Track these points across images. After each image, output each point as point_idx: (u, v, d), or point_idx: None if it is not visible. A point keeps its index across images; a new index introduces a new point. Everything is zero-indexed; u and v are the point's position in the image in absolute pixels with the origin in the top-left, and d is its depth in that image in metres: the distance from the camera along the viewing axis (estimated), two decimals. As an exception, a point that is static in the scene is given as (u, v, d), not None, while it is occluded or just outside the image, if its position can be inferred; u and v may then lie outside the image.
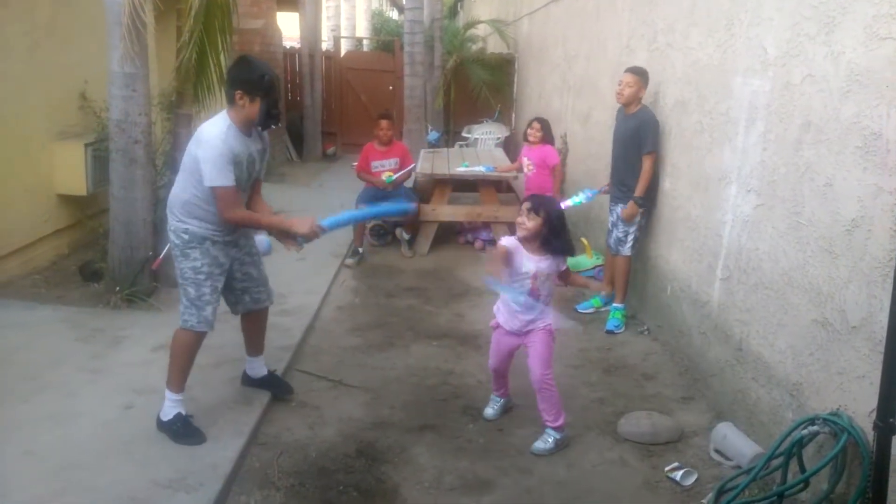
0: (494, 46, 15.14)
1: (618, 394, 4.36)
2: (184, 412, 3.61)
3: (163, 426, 3.57)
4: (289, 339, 4.82)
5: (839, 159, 3.06)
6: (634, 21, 5.97)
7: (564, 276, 3.81)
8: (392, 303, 5.88)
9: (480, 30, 15.77)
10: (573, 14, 8.42)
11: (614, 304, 5.41)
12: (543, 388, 3.74)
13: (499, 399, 4.11)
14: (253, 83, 3.42)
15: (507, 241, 3.71)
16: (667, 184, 5.07)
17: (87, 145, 5.98)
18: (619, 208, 5.31)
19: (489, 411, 4.08)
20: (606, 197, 5.69)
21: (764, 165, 3.70)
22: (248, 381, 4.12)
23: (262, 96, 3.45)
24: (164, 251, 5.32)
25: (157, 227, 5.41)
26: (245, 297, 3.86)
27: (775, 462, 3.05)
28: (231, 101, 3.46)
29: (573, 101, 8.26)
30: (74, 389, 3.94)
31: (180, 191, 3.49)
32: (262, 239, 6.79)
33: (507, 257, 3.62)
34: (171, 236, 3.54)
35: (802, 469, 2.97)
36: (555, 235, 3.63)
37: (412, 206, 4.12)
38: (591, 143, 7.36)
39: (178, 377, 3.60)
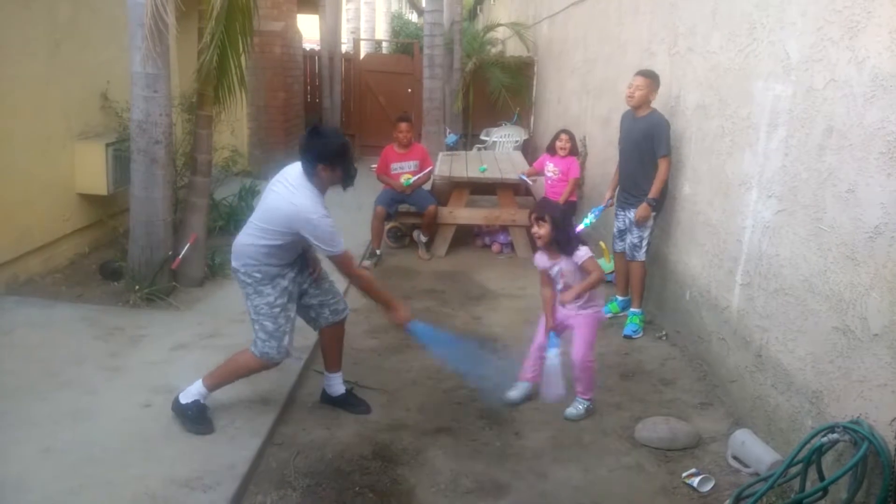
0: (514, 49, 15.13)
1: (635, 399, 4.34)
2: (203, 402, 3.69)
3: (177, 408, 3.66)
4: (305, 340, 4.82)
5: (862, 165, 3.02)
6: (655, 25, 5.94)
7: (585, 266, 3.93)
8: (409, 305, 5.86)
9: (500, 32, 15.78)
10: (594, 17, 8.39)
11: (632, 310, 5.39)
12: (584, 368, 4.04)
13: (525, 384, 4.21)
14: (338, 154, 3.53)
15: (538, 263, 4.06)
16: (687, 188, 5.04)
17: (108, 145, 6.04)
18: (630, 213, 5.28)
19: (513, 394, 4.21)
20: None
21: (785, 171, 3.66)
22: (327, 398, 4.13)
23: (343, 163, 3.56)
24: (184, 251, 5.36)
25: (177, 227, 5.46)
26: (325, 310, 3.94)
27: (794, 470, 3.02)
28: (312, 173, 3.50)
29: (592, 104, 8.23)
30: (93, 387, 3.98)
31: (256, 241, 3.51)
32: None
33: (547, 279, 4.06)
34: (241, 277, 3.59)
35: (821, 477, 2.94)
36: (562, 234, 3.87)
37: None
38: (609, 147, 7.32)
39: (221, 383, 3.72)
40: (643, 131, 5.11)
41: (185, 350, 4.53)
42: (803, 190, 3.48)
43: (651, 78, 5.15)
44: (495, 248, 7.65)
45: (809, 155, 3.44)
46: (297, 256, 3.70)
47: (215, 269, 5.87)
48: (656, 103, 5.65)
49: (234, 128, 9.98)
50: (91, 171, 6.05)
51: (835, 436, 2.87)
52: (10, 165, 5.30)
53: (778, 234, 3.72)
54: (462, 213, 7.46)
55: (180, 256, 5.36)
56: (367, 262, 6.82)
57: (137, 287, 5.18)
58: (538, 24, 13.08)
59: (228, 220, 7.15)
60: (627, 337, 5.25)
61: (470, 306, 5.90)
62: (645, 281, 5.36)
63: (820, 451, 2.92)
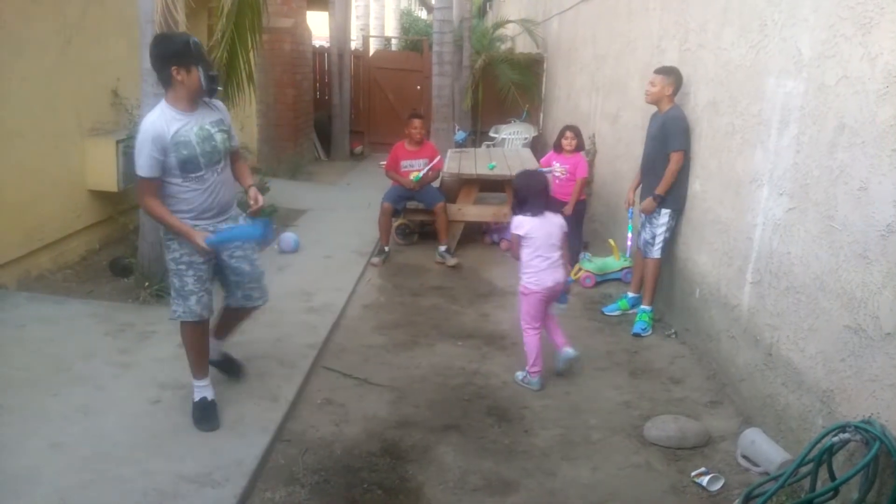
0: (523, 46, 15.09)
1: (644, 397, 4.32)
2: (209, 396, 3.73)
3: (193, 407, 3.71)
4: (315, 337, 4.84)
5: (874, 163, 3.00)
6: (666, 21, 5.91)
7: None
8: (417, 302, 5.88)
9: (509, 29, 15.74)
10: (603, 14, 8.36)
11: (642, 307, 5.37)
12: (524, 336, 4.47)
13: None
14: (184, 53, 3.36)
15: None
16: (697, 185, 5.01)
17: (118, 142, 6.06)
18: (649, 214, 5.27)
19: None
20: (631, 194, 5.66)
21: (797, 168, 3.64)
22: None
23: (196, 63, 3.38)
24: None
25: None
26: (237, 291, 3.83)
27: (804, 469, 3.00)
28: (168, 82, 3.37)
29: (602, 101, 8.20)
30: (103, 383, 4.00)
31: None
32: (289, 236, 6.87)
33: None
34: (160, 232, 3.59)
35: (832, 477, 2.91)
36: (518, 201, 4.46)
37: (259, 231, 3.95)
38: (619, 144, 7.30)
39: (195, 365, 3.72)
40: (659, 126, 5.13)
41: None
42: (815, 187, 3.46)
43: (666, 74, 5.13)
44: (503, 245, 7.63)
45: (821, 152, 3.41)
46: (207, 210, 3.52)
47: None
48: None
49: (243, 124, 10.03)
50: (101, 167, 6.07)
51: (846, 435, 2.84)
52: (22, 162, 5.33)
53: (789, 231, 3.70)
54: (471, 211, 7.45)
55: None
56: (375, 259, 6.82)
57: (147, 283, 5.20)
58: (548, 20, 13.04)
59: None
60: (636, 335, 5.23)
61: (478, 303, 5.89)
62: (658, 279, 5.34)
63: (831, 450, 2.89)
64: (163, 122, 3.33)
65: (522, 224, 4.35)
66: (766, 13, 4.05)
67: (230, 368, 4.15)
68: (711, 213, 4.73)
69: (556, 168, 6.77)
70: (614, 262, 6.42)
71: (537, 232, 4.32)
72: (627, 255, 5.72)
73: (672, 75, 5.13)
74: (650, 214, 5.22)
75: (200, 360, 3.72)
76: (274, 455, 3.56)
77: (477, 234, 7.87)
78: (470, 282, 6.46)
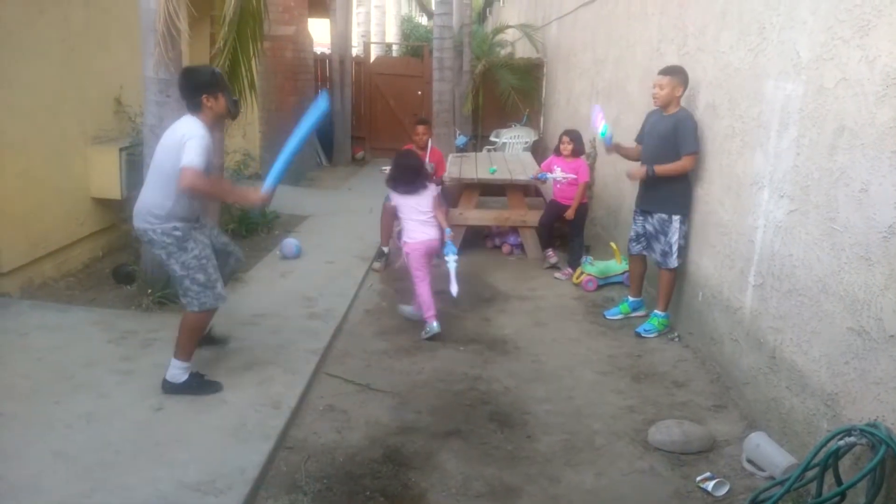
0: (523, 51, 15.12)
1: (648, 401, 4.31)
2: (194, 371, 4.01)
3: (178, 388, 3.93)
4: (317, 343, 4.84)
5: (875, 164, 2.99)
6: (664, 25, 5.92)
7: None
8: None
9: (509, 34, 15.78)
10: (602, 18, 8.37)
11: (656, 312, 5.30)
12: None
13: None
14: (212, 83, 3.86)
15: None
16: (698, 189, 5.01)
17: (121, 150, 6.08)
18: (651, 218, 5.18)
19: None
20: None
21: (797, 170, 3.64)
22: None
23: (222, 90, 3.89)
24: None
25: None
26: (230, 259, 4.29)
27: (810, 473, 2.99)
28: (198, 108, 3.84)
29: (602, 105, 8.20)
30: (106, 391, 4.00)
31: (163, 198, 3.79)
32: (291, 241, 6.88)
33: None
34: (162, 239, 3.82)
35: (839, 481, 2.90)
36: (393, 178, 5.41)
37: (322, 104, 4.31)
38: (620, 148, 7.30)
39: (191, 349, 3.97)
40: (669, 128, 4.96)
41: (197, 354, 4.53)
42: (815, 189, 3.46)
43: (672, 74, 4.97)
44: (505, 249, 7.64)
45: (821, 154, 3.41)
46: (194, 212, 3.94)
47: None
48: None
49: (245, 131, 10.03)
50: (105, 175, 6.08)
51: (852, 439, 2.83)
52: (25, 170, 5.34)
53: (790, 234, 3.69)
54: (472, 215, 7.46)
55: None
56: (377, 265, 6.82)
57: (150, 291, 5.20)
58: (547, 25, 13.06)
59: (240, 223, 7.18)
60: (638, 334, 5.23)
61: (481, 308, 5.89)
62: (673, 286, 5.23)
63: (837, 454, 2.88)
64: (208, 133, 3.80)
65: (394, 198, 5.40)
66: (765, 16, 4.06)
67: (215, 341, 4.63)
68: (713, 216, 4.73)
69: (557, 172, 6.78)
70: (616, 266, 6.42)
71: (406, 203, 5.30)
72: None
73: (679, 75, 4.98)
74: (661, 224, 5.10)
75: (194, 346, 4.01)
76: (276, 462, 3.55)
77: (478, 239, 7.87)
78: (472, 286, 6.45)
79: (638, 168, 5.11)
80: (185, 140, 3.67)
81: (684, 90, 5.01)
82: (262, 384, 4.20)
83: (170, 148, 3.75)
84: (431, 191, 5.37)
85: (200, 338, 4.02)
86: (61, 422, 3.63)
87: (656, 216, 5.15)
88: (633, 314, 5.61)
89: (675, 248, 5.07)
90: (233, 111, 4.03)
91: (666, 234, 5.09)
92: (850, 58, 3.21)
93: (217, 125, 3.91)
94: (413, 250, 5.23)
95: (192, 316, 3.93)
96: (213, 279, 3.91)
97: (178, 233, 3.81)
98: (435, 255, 5.41)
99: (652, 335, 5.24)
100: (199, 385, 3.99)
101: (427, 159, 7.09)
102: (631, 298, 5.66)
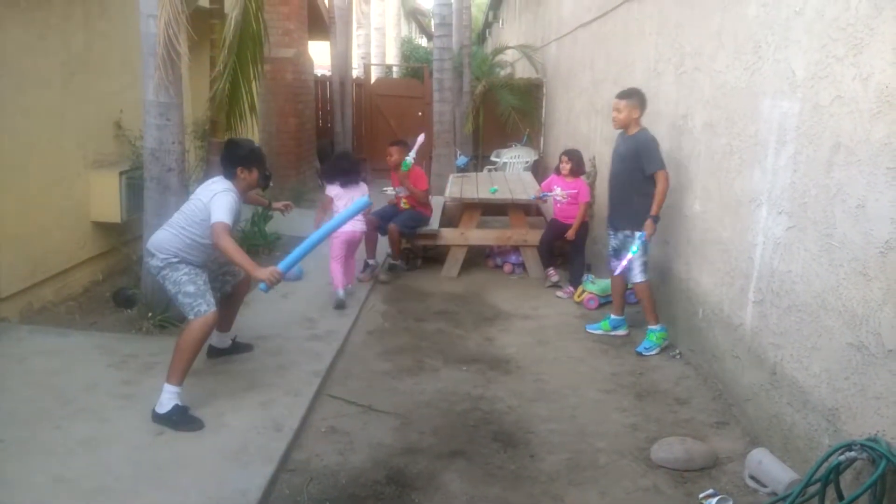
0: (523, 71, 15.22)
1: (650, 419, 4.30)
2: (181, 403, 3.95)
3: (160, 418, 3.90)
4: (319, 364, 4.84)
5: (871, 180, 3.01)
6: (662, 45, 5.97)
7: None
8: (421, 327, 5.88)
9: (509, 55, 15.89)
10: (601, 38, 8.44)
11: (649, 327, 5.34)
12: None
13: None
14: (248, 157, 4.28)
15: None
16: (697, 206, 5.03)
17: (121, 173, 6.12)
18: (622, 234, 5.35)
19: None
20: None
21: (794, 187, 3.66)
22: (215, 351, 4.80)
23: (257, 165, 4.30)
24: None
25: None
26: (228, 277, 4.59)
27: (812, 489, 2.98)
28: (233, 177, 4.24)
29: (601, 124, 8.24)
30: (107, 415, 3.99)
31: (178, 243, 4.12)
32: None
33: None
34: (156, 263, 4.13)
35: (840, 496, 2.90)
36: (330, 174, 6.49)
37: (365, 199, 4.64)
38: (619, 166, 7.32)
39: (184, 370, 3.99)
40: (630, 149, 5.17)
41: (197, 377, 4.53)
42: (813, 206, 3.47)
43: (628, 97, 5.19)
44: (507, 268, 7.65)
45: (818, 171, 3.43)
46: (206, 262, 4.30)
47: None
48: (664, 122, 5.67)
49: (246, 154, 10.06)
50: (105, 199, 6.12)
51: (852, 454, 2.83)
52: (26, 194, 5.37)
53: (789, 250, 3.70)
54: (473, 235, 7.48)
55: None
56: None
57: (150, 314, 5.21)
58: (546, 46, 13.16)
59: (241, 245, 7.19)
60: (639, 354, 5.25)
61: (483, 327, 5.89)
62: (653, 297, 5.33)
63: (838, 469, 2.88)
64: (236, 196, 4.19)
65: (332, 190, 6.31)
66: (760, 35, 4.10)
67: (241, 348, 4.92)
68: (712, 234, 4.74)
69: (557, 192, 6.81)
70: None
71: (342, 196, 6.21)
72: (616, 272, 5.69)
73: (636, 97, 5.21)
74: (625, 240, 5.28)
75: (188, 367, 4.03)
76: (278, 485, 3.54)
77: (480, 258, 7.89)
78: (474, 306, 6.46)
79: (650, 225, 5.15)
80: (214, 196, 4.05)
81: (642, 112, 5.23)
82: (263, 406, 4.19)
83: (201, 201, 4.13)
84: (364, 189, 6.31)
85: (193, 359, 4.04)
86: (62, 447, 3.63)
87: (621, 233, 5.34)
88: (614, 332, 5.66)
89: (636, 263, 5.21)
90: (263, 184, 4.42)
91: (628, 251, 5.21)
92: (844, 75, 3.24)
93: (245, 194, 4.41)
94: (336, 238, 5.99)
95: (191, 327, 4.02)
96: (205, 287, 4.13)
97: (174, 259, 4.13)
98: (355, 247, 6.44)
99: (653, 352, 5.24)
100: (180, 419, 3.89)
101: (398, 181, 7.10)
102: (613, 316, 5.71)
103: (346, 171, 6.35)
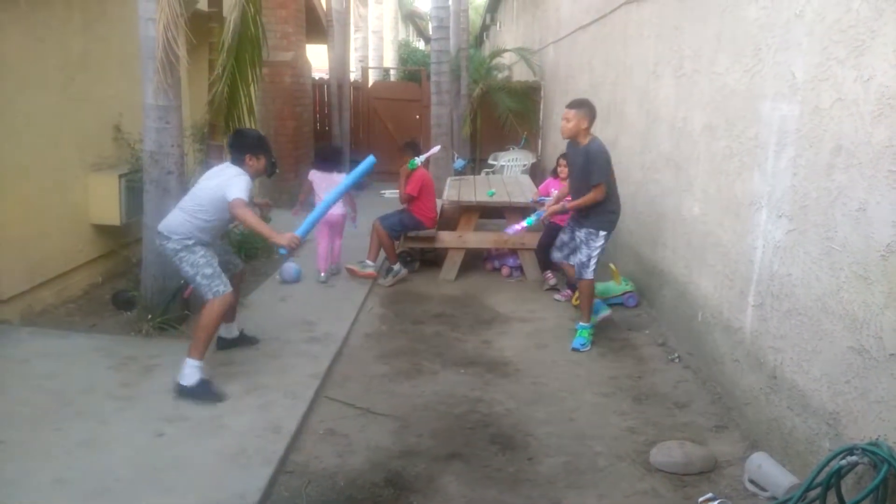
0: (520, 74, 15.24)
1: (649, 423, 4.30)
2: (205, 377, 4.28)
3: (184, 390, 4.21)
4: (317, 367, 4.83)
5: (872, 183, 3.01)
6: (661, 48, 5.98)
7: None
8: (419, 329, 5.88)
9: (506, 58, 15.91)
10: (599, 41, 8.45)
11: (581, 324, 5.48)
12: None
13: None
14: (256, 145, 4.55)
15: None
16: (696, 209, 5.03)
17: (121, 176, 6.11)
18: (579, 232, 5.43)
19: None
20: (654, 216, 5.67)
21: (795, 190, 3.66)
22: (224, 343, 5.01)
23: (264, 152, 4.58)
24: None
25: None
26: (229, 266, 4.79)
27: (812, 493, 2.97)
28: (241, 164, 4.48)
29: (600, 127, 8.22)
30: (106, 417, 3.98)
31: (191, 217, 4.38)
32: (291, 266, 6.89)
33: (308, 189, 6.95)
34: (173, 245, 4.36)
35: (841, 501, 2.89)
36: (316, 162, 7.10)
37: (370, 158, 4.65)
38: (617, 169, 7.31)
39: (206, 345, 4.33)
40: (583, 159, 5.27)
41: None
42: (813, 209, 3.47)
43: (577, 107, 5.25)
44: (505, 271, 7.65)
45: (818, 174, 3.43)
46: (215, 238, 4.60)
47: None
48: (663, 125, 5.68)
49: (244, 157, 10.06)
50: (104, 201, 6.11)
51: (854, 458, 2.82)
52: (26, 198, 5.37)
53: (789, 253, 3.70)
54: (471, 238, 7.47)
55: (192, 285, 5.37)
56: (382, 281, 7.10)
57: (150, 316, 5.20)
58: (544, 48, 13.18)
59: (240, 247, 7.18)
60: (576, 349, 5.36)
61: (481, 330, 5.88)
62: (593, 297, 5.52)
63: (839, 473, 2.87)
64: (248, 176, 4.46)
65: (314, 175, 6.84)
66: (760, 38, 4.10)
67: (249, 340, 5.14)
68: (712, 237, 4.74)
69: (554, 195, 6.80)
70: (615, 287, 6.42)
71: (321, 181, 6.68)
72: (509, 232, 6.12)
73: (585, 107, 5.26)
74: (587, 237, 5.35)
75: (210, 342, 4.41)
76: (277, 487, 3.53)
77: (478, 261, 7.88)
78: (472, 309, 6.45)
79: (557, 207, 5.44)
80: (231, 178, 4.33)
81: (591, 122, 5.29)
82: (262, 408, 4.18)
83: (208, 185, 4.41)
84: (342, 176, 6.43)
85: (214, 336, 4.45)
86: (61, 448, 3.62)
87: (584, 230, 5.40)
88: (599, 316, 5.77)
89: (593, 261, 5.37)
90: (269, 171, 4.68)
91: (588, 247, 5.35)
92: (845, 78, 3.24)
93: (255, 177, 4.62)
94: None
95: (211, 305, 4.32)
96: (218, 270, 4.43)
97: (189, 242, 4.36)
98: (338, 229, 7.06)
99: (588, 348, 5.37)
100: (205, 391, 4.22)
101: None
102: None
103: (324, 157, 7.03)
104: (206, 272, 4.36)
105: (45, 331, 5.19)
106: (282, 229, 4.39)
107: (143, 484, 3.37)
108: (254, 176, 4.54)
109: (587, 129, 5.28)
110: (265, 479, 3.47)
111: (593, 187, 5.20)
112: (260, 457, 3.66)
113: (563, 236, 5.75)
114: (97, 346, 4.95)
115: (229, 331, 5.02)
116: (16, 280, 5.31)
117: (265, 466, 3.58)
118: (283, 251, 4.31)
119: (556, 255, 5.85)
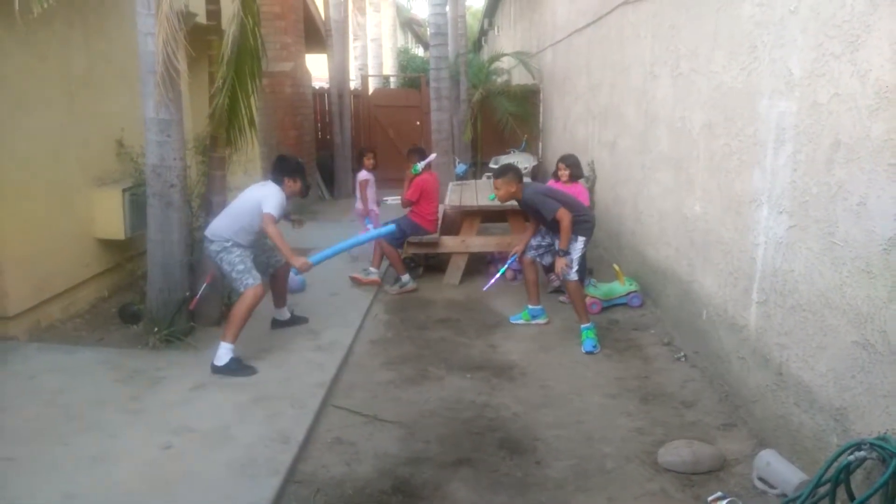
0: (519, 78, 15.26)
1: (657, 423, 4.29)
2: (235, 356, 4.83)
3: (219, 369, 4.77)
4: (323, 375, 4.84)
5: (872, 177, 3.01)
6: (657, 47, 5.99)
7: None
8: (425, 335, 5.88)
9: (505, 62, 15.92)
10: (596, 43, 8.47)
11: (583, 326, 5.52)
12: None
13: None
14: (295, 170, 5.24)
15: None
16: (697, 208, 5.04)
17: (124, 190, 6.13)
18: (554, 238, 5.67)
19: None
20: (646, 200, 5.67)
21: (795, 186, 3.66)
22: (278, 324, 5.77)
23: (301, 176, 5.28)
24: (201, 291, 5.41)
25: (194, 268, 5.51)
26: (272, 261, 5.46)
27: (822, 490, 2.96)
28: (281, 184, 5.15)
29: (599, 129, 8.27)
30: (114, 431, 4.00)
31: (233, 223, 5.00)
32: (294, 278, 6.90)
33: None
34: (214, 247, 4.98)
35: (851, 496, 2.88)
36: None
37: (391, 227, 5.51)
38: (618, 170, 7.35)
39: (238, 330, 4.88)
40: (530, 207, 5.69)
41: (204, 390, 4.55)
42: (814, 204, 3.47)
43: (502, 176, 5.64)
44: (508, 274, 7.63)
45: (818, 169, 3.44)
46: (250, 247, 5.13)
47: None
48: (661, 125, 5.69)
49: (247, 168, 10.05)
50: (108, 216, 6.14)
51: (862, 453, 2.81)
52: (31, 215, 5.39)
53: (791, 249, 3.70)
54: (474, 242, 7.48)
55: (197, 297, 5.40)
56: (390, 289, 7.14)
57: (156, 329, 5.21)
58: (542, 52, 13.20)
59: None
60: (589, 353, 5.37)
61: (486, 335, 5.88)
62: (583, 296, 5.68)
63: (848, 469, 2.86)
64: (283, 196, 5.13)
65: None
66: (755, 35, 4.11)
67: (299, 320, 5.87)
68: (714, 235, 4.74)
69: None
70: (619, 288, 6.42)
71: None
72: (483, 289, 6.39)
73: (508, 173, 5.66)
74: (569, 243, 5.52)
75: (242, 327, 4.91)
76: (286, 497, 3.54)
77: (481, 265, 7.88)
78: (476, 313, 6.45)
79: (560, 262, 5.46)
80: (267, 193, 5.01)
81: (518, 182, 5.67)
82: (269, 419, 4.19)
83: (251, 196, 5.06)
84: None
85: (245, 322, 4.92)
86: (71, 464, 3.63)
87: (550, 237, 5.76)
88: (534, 321, 6.00)
89: (575, 265, 5.55)
90: (304, 193, 5.42)
91: (569, 252, 5.51)
92: (841, 73, 3.24)
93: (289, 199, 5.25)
94: None
95: (245, 297, 4.91)
96: (250, 265, 5.03)
97: (228, 244, 4.97)
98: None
99: (598, 349, 5.41)
100: (237, 368, 4.78)
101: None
102: (530, 306, 6.06)
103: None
104: (239, 268, 4.97)
105: (53, 346, 5.21)
106: (298, 242, 4.63)
107: (153, 497, 3.38)
108: (289, 196, 5.19)
109: (518, 188, 5.65)
110: (274, 490, 3.48)
111: (558, 216, 5.44)
112: (268, 467, 3.67)
113: (538, 239, 5.94)
114: (104, 360, 4.97)
115: (281, 314, 5.76)
116: (23, 297, 5.34)
117: (274, 476, 3.59)
118: (294, 272, 4.97)
119: (530, 253, 5.99)
